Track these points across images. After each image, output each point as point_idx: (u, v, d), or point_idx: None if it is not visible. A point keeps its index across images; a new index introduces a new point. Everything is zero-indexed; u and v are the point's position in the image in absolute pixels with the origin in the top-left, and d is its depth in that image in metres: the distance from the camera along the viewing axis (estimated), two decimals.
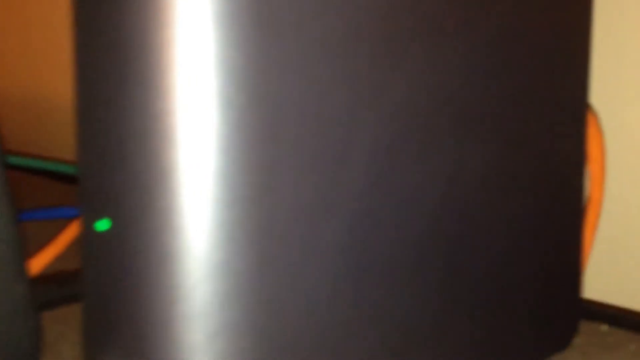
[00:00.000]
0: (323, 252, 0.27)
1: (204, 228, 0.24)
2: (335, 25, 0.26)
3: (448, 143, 0.30)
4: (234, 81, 0.24)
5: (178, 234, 0.24)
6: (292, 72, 0.25)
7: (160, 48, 0.24)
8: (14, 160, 0.67)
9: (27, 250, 0.48)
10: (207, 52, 0.24)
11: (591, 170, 0.40)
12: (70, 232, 0.46)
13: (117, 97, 0.25)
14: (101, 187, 0.26)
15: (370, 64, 0.27)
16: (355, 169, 0.27)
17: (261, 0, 0.24)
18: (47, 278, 0.42)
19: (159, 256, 0.25)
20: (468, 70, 0.31)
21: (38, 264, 0.44)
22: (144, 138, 0.24)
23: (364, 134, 0.27)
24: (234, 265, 0.25)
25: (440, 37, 0.29)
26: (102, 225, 0.26)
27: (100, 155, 0.25)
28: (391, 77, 0.28)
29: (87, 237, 0.27)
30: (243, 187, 0.25)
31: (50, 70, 0.84)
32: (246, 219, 0.25)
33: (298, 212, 0.26)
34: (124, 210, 0.25)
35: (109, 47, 0.25)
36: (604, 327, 0.40)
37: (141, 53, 0.24)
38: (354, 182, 0.27)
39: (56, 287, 0.41)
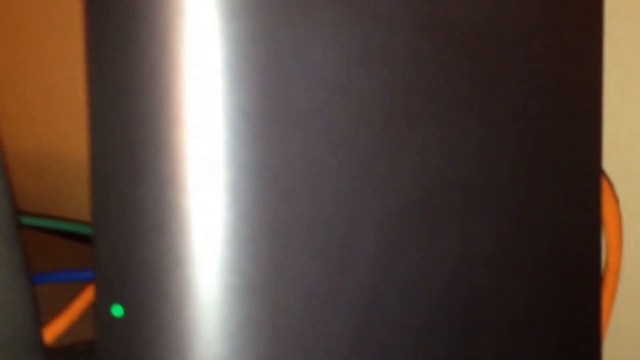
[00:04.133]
0: (332, 338, 0.27)
1: (215, 317, 0.24)
2: (338, 115, 0.26)
3: (455, 222, 0.30)
4: (243, 176, 0.24)
5: (190, 323, 0.24)
6: (297, 165, 0.25)
7: (172, 145, 0.24)
8: (28, 221, 0.67)
9: (41, 315, 0.48)
10: (217, 149, 0.24)
11: (607, 236, 0.40)
12: (86, 298, 0.46)
13: (131, 191, 0.25)
14: (116, 272, 0.26)
15: (374, 149, 0.27)
16: (362, 254, 0.27)
17: (269, 97, 0.25)
18: (61, 350, 0.42)
19: (172, 344, 0.25)
20: (474, 148, 0.31)
21: (53, 331, 0.44)
22: (157, 227, 0.24)
23: (369, 219, 0.27)
24: (246, 355, 0.25)
25: (444, 119, 0.30)
26: (117, 311, 0.26)
27: (115, 240, 0.25)
28: (395, 160, 0.28)
29: (101, 319, 0.27)
30: (252, 277, 0.25)
31: (72, 129, 0.84)
32: (256, 309, 0.25)
33: (307, 299, 0.26)
34: (137, 296, 0.25)
35: (122, 141, 0.25)
36: None
37: (154, 149, 0.24)
38: (360, 267, 0.27)
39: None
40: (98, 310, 0.27)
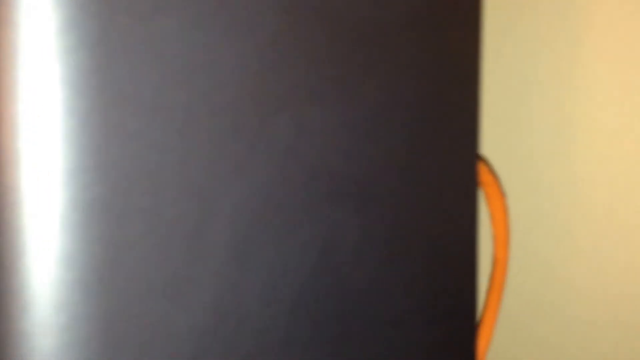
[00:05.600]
0: (176, 337, 0.26)
1: (42, 313, 0.24)
2: (196, 98, 0.26)
3: (321, 211, 0.30)
4: (76, 162, 0.24)
5: (14, 319, 0.24)
6: (139, 151, 0.25)
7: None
8: None
9: None
10: (49, 135, 0.23)
11: (495, 231, 0.39)
12: None
13: None
14: None
15: (232, 135, 0.27)
16: (215, 245, 0.27)
17: (106, 73, 0.24)
18: None
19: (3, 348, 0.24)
20: (344, 135, 0.30)
21: None
22: None
23: (225, 205, 0.27)
24: (75, 352, 0.24)
25: (314, 104, 0.29)
26: None
27: None
28: (257, 146, 0.27)
29: None
30: (84, 271, 0.24)
31: None
32: (87, 304, 0.24)
33: (148, 294, 0.25)
34: None
35: None
36: None
37: None
38: (213, 260, 0.26)
39: None
40: None
